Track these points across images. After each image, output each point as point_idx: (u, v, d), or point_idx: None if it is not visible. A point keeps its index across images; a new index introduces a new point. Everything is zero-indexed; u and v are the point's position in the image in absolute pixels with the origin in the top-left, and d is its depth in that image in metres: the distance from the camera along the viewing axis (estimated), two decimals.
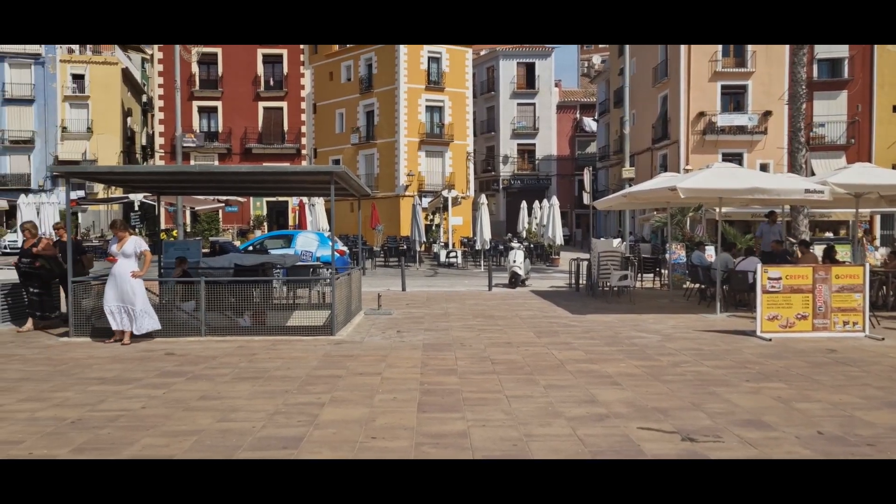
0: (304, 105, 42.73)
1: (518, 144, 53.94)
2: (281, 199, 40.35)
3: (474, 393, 6.46)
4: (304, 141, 42.59)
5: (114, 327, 9.07)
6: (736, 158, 30.40)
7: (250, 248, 17.91)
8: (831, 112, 33.04)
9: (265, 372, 7.42)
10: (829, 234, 26.61)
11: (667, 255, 16.52)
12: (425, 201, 34.75)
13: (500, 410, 5.85)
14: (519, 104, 53.53)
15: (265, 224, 40.89)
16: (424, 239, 29.89)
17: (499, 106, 53.38)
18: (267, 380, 7.05)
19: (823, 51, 32.81)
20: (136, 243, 9.09)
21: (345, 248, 18.66)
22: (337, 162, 42.58)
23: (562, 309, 13.01)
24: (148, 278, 9.64)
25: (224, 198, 35.87)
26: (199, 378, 7.14)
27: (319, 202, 27.18)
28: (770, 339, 9.35)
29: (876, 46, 32.34)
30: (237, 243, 23.08)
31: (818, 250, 16.80)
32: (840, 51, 32.92)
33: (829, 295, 9.68)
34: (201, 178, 10.59)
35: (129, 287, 8.93)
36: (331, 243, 9.96)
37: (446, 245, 29.61)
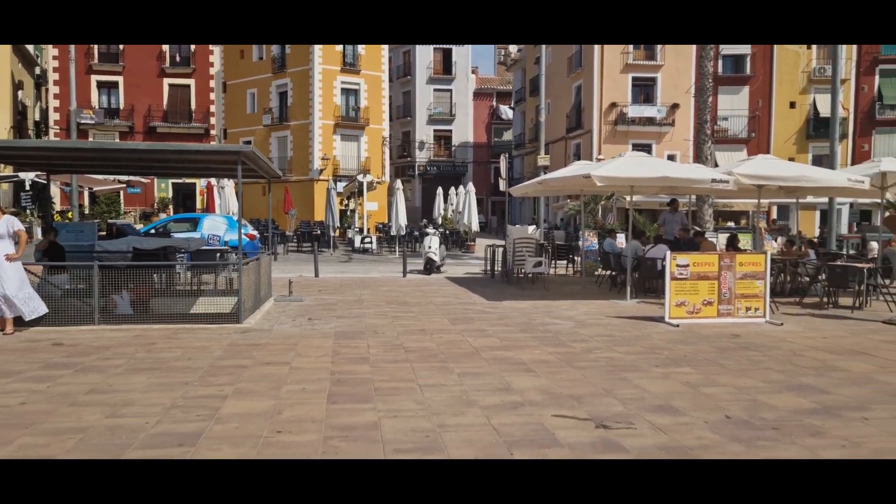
0: (213, 83, 41.09)
1: (434, 130, 53.80)
2: (188, 180, 38.76)
3: (386, 382, 6.25)
4: (213, 121, 41.00)
5: None
6: (645, 149, 31.26)
7: (152, 231, 17.00)
8: (734, 106, 34.46)
9: (163, 362, 6.96)
10: (731, 224, 27.81)
11: (580, 243, 16.76)
12: (340, 186, 34.15)
13: (412, 400, 5.66)
14: (435, 90, 53.32)
15: (171, 207, 39.13)
16: (339, 224, 29.35)
17: (415, 91, 53.02)
18: (165, 371, 6.60)
19: (727, 47, 34.12)
20: (8, 223, 8.35)
21: (255, 233, 18.00)
22: (248, 143, 41.23)
23: (477, 295, 12.96)
24: (28, 261, 8.92)
25: (125, 178, 34.11)
26: (88, 370, 6.61)
27: (229, 184, 26.20)
28: (678, 325, 9.57)
29: (776, 45, 33.91)
30: (139, 226, 21.93)
31: (721, 238, 17.49)
32: (743, 48, 34.33)
33: (733, 282, 9.99)
34: (96, 156, 9.85)
35: (2, 272, 8.22)
36: (238, 226, 9.49)
37: (361, 230, 29.19)
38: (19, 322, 8.51)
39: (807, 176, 11.69)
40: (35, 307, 8.54)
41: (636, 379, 6.49)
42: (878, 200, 21.58)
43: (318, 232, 27.73)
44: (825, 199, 19.91)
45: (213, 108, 41.18)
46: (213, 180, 26.02)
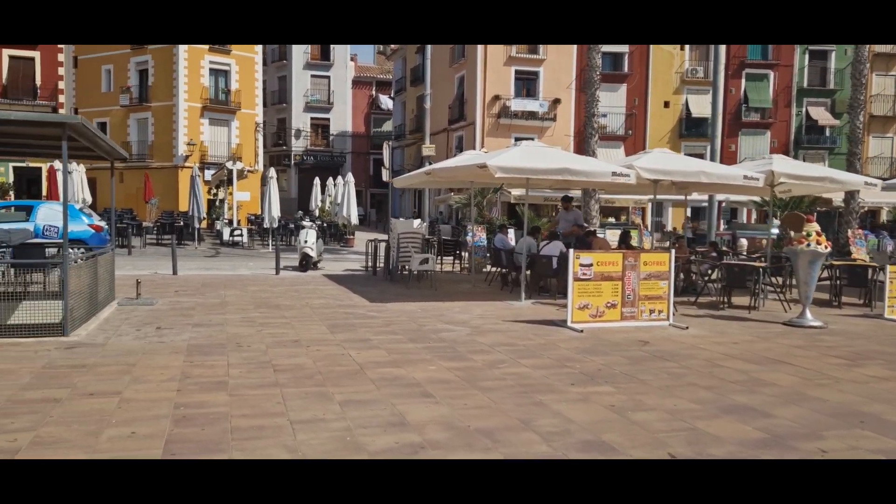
0: (61, 57, 36.95)
1: (311, 118, 51.60)
2: (33, 164, 34.68)
3: (248, 418, 4.88)
4: (61, 99, 36.88)
5: None
6: (528, 142, 30.97)
7: None
8: (612, 104, 34.92)
9: None
10: (612, 220, 28.01)
11: (468, 238, 15.83)
12: (208, 174, 31.62)
13: (280, 446, 4.34)
14: (313, 76, 51.12)
15: (11, 193, 34.86)
16: (205, 215, 27.01)
17: (291, 76, 50.60)
18: None
19: (607, 44, 34.52)
20: None
21: (102, 224, 15.72)
22: (103, 126, 37.51)
23: (358, 296, 11.66)
24: None
25: None
26: None
27: (78, 169, 23.36)
28: (582, 331, 8.74)
29: (653, 45, 34.69)
30: None
31: (608, 235, 17.12)
32: (621, 46, 34.85)
33: (637, 283, 9.30)
34: None
35: None
36: (63, 215, 7.68)
37: (231, 222, 26.99)
38: None
39: (705, 171, 11.26)
40: None
41: (553, 403, 5.48)
42: (755, 199, 22.26)
43: (182, 223, 25.33)
44: (699, 196, 20.11)
45: (61, 85, 37.05)
46: (57, 164, 23.04)
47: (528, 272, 12.20)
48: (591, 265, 9.11)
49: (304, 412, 5.06)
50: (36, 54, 36.37)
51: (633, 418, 5.13)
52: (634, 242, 16.94)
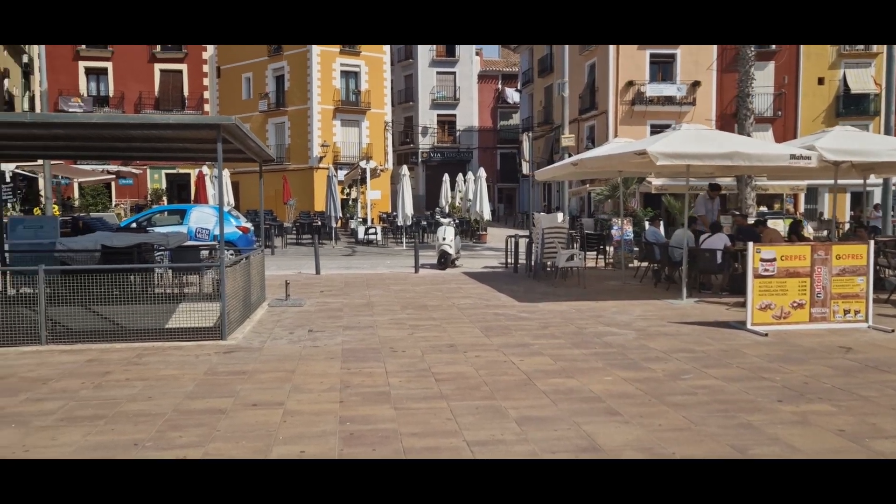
0: (206, 68, 39.02)
1: (438, 115, 51.75)
2: (182, 170, 36.92)
3: (419, 438, 4.43)
4: (206, 108, 38.95)
5: None
6: (665, 129, 29.29)
7: (133, 224, 15.15)
8: (759, 83, 32.24)
9: (114, 405, 5.15)
10: (764, 209, 25.93)
11: (613, 231, 14.91)
12: (341, 174, 32.27)
13: None
14: (438, 73, 51.25)
15: (164, 199, 37.26)
16: (341, 214, 27.51)
17: (417, 74, 50.95)
18: (111, 421, 4.79)
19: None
20: None
21: (249, 226, 16.14)
22: None
23: (505, 295, 11.11)
24: None
25: (114, 169, 32.29)
26: (4, 421, 4.78)
27: (224, 174, 24.41)
28: (766, 334, 7.74)
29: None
30: (124, 219, 20.04)
31: (769, 223, 15.60)
32: None
33: (828, 279, 8.15)
34: (46, 133, 7.99)
35: None
36: (220, 219, 7.64)
37: (364, 221, 27.33)
38: None
39: None
40: None
41: (765, 425, 4.66)
42: None
43: (319, 223, 25.91)
44: (858, 181, 18.01)
45: (206, 95, 39.14)
46: (204, 169, 24.20)
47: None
48: (774, 260, 8.07)
49: (479, 431, 4.55)
50: (183, 67, 38.61)
51: (877, 448, 4.23)
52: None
